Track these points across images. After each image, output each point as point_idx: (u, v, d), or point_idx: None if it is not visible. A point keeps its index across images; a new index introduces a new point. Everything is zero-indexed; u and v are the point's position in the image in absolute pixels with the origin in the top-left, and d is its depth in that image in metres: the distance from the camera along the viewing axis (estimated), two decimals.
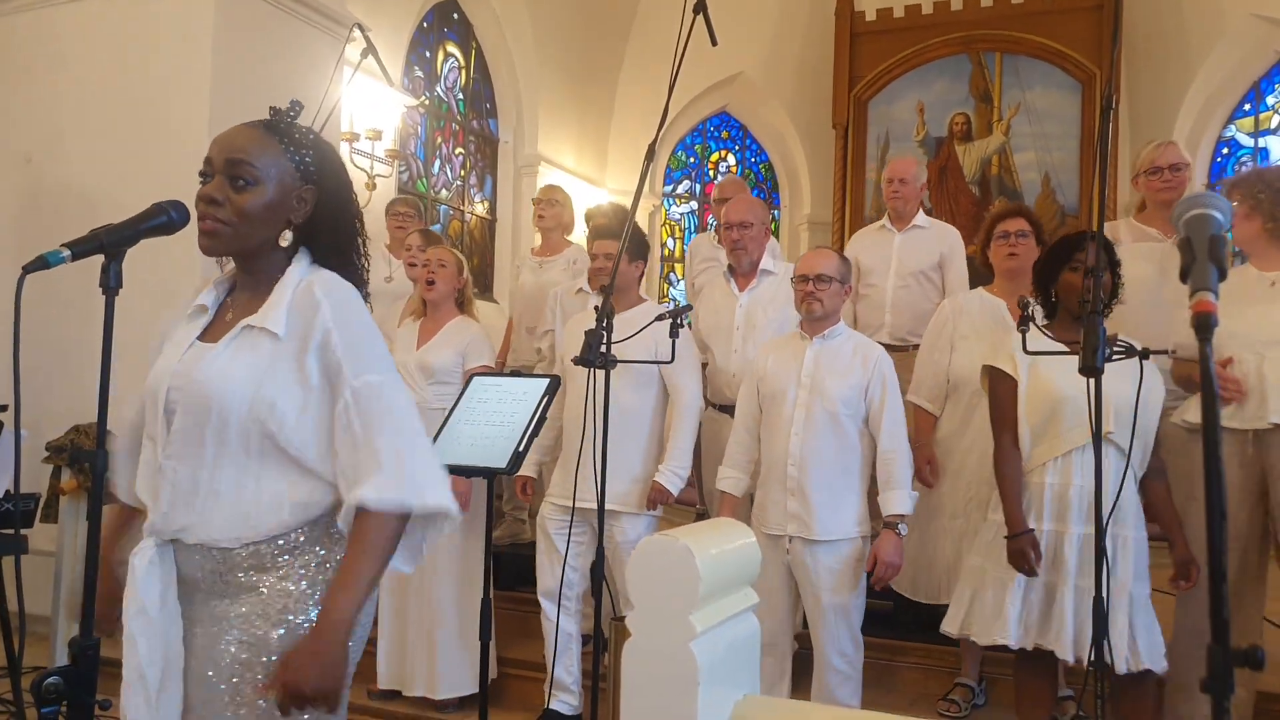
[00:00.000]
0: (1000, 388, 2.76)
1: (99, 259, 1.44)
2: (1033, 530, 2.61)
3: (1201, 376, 0.93)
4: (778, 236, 8.50)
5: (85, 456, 3.51)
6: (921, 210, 4.20)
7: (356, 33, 5.22)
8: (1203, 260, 0.96)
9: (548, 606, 3.33)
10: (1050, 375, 2.64)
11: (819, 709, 1.26)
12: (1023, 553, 2.58)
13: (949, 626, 2.80)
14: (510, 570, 4.20)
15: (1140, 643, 2.52)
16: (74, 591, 3.95)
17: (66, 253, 1.37)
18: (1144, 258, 2.89)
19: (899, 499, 2.90)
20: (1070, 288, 2.68)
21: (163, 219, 1.51)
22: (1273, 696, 2.97)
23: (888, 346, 3.94)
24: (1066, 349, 2.49)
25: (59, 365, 4.86)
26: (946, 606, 3.41)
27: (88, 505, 1.44)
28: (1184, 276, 0.97)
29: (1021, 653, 2.65)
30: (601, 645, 3.03)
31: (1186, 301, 2.89)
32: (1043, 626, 2.57)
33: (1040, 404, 2.68)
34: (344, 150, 5.66)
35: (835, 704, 2.95)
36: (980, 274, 3.58)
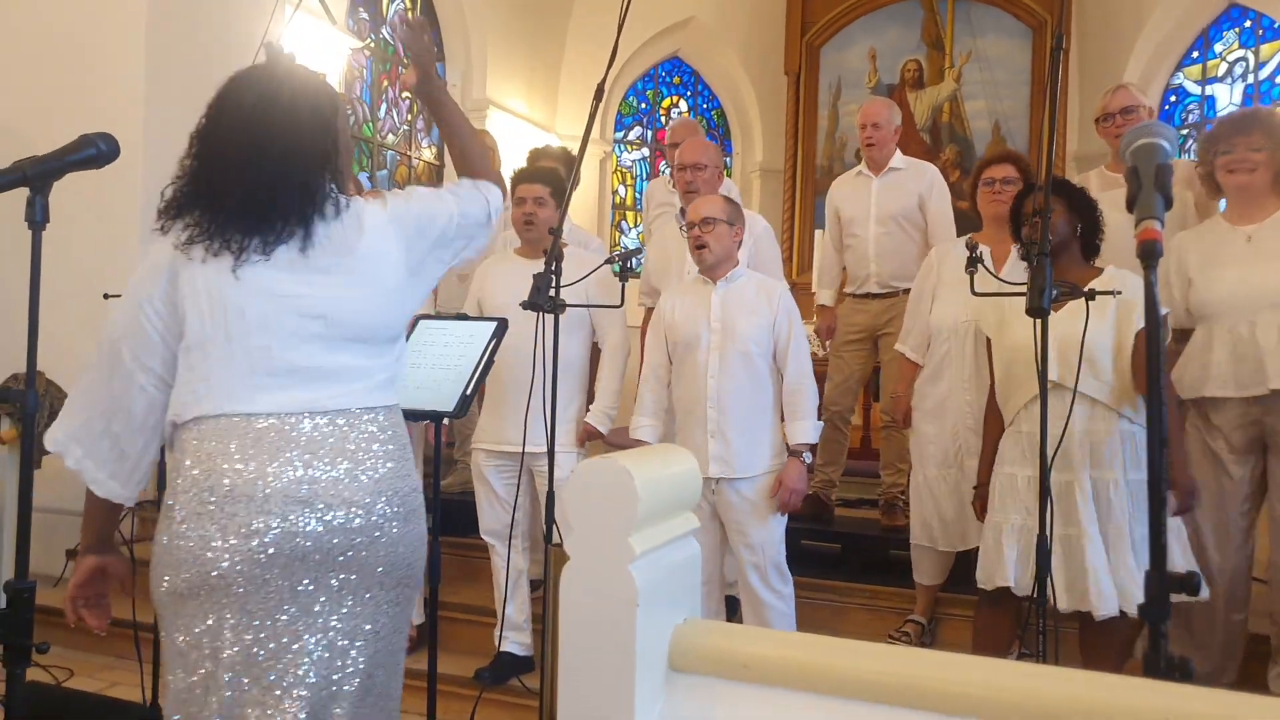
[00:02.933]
0: (989, 349, 2.86)
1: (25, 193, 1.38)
2: (986, 483, 2.74)
3: (1146, 303, 0.93)
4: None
5: (13, 396, 3.40)
6: (898, 152, 4.12)
7: None
8: (1149, 188, 0.96)
9: (496, 545, 3.36)
10: (1013, 327, 2.67)
11: (760, 631, 1.27)
12: (974, 504, 2.76)
13: (984, 581, 2.74)
14: (460, 518, 4.19)
15: (1129, 584, 2.52)
16: (12, 541, 3.86)
17: None
18: (1113, 205, 2.90)
19: (804, 429, 3.00)
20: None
21: (91, 151, 1.45)
22: (1260, 638, 3.03)
23: (875, 295, 4.00)
24: (1012, 290, 2.51)
25: None
26: (900, 550, 3.50)
27: (22, 439, 1.40)
28: (1130, 205, 0.97)
29: (982, 593, 2.70)
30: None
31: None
32: (1077, 586, 2.54)
33: (1002, 357, 2.74)
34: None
35: None
36: (972, 221, 3.56)
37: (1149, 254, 0.92)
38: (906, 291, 3.80)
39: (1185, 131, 7.53)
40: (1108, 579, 2.50)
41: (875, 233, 4.02)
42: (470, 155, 1.81)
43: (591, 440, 3.39)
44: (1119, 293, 2.46)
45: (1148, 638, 1.03)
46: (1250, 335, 2.74)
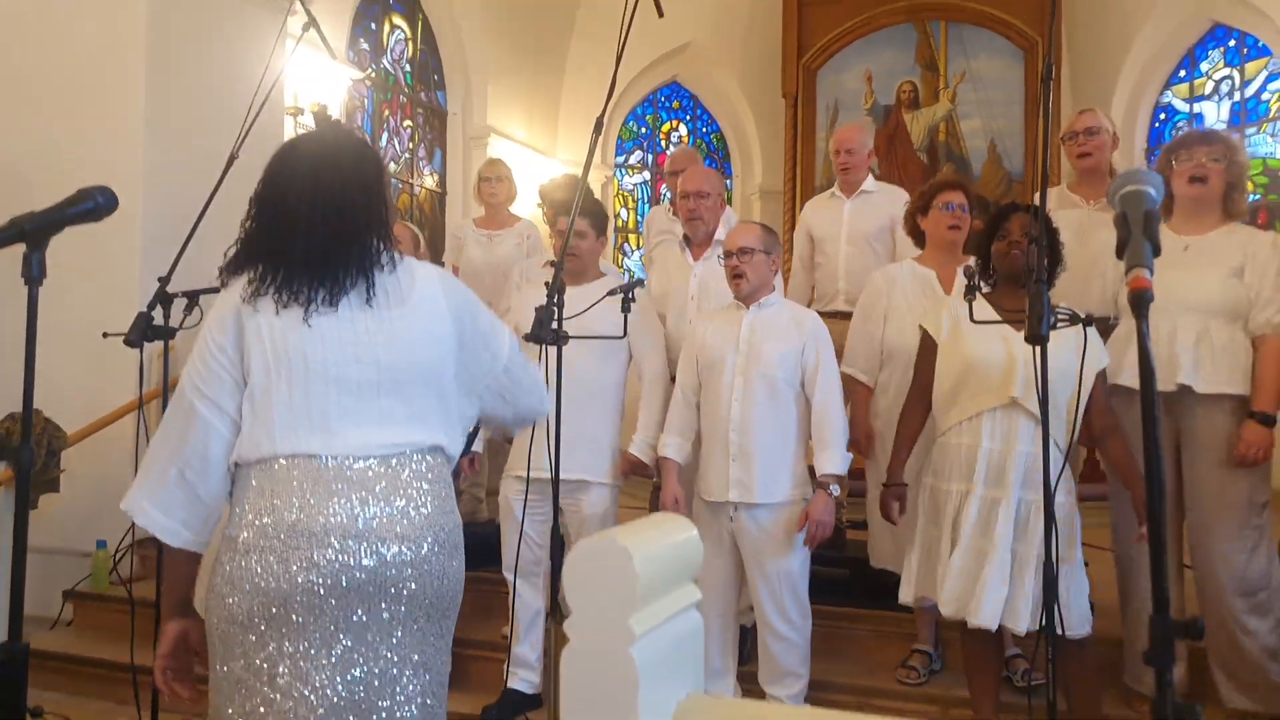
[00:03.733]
0: (923, 346, 2.88)
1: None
2: (904, 485, 2.82)
3: (1140, 353, 0.93)
4: (731, 206, 8.48)
5: (8, 455, 3.39)
6: (871, 175, 4.21)
7: (298, 5, 5.09)
8: (1138, 236, 0.97)
9: (516, 583, 3.29)
10: (966, 339, 2.71)
11: (763, 707, 1.26)
12: (886, 503, 2.85)
13: (903, 595, 2.85)
14: (466, 549, 4.17)
15: (1069, 610, 2.55)
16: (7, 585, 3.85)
17: None
18: (1064, 225, 2.95)
19: (831, 459, 2.96)
20: (1000, 257, 2.77)
21: (89, 204, 1.46)
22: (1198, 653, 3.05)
23: (844, 314, 3.98)
24: (1004, 318, 2.54)
25: None
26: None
27: (16, 496, 1.40)
28: (1120, 252, 0.98)
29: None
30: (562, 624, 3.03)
31: (1101, 268, 2.96)
32: (966, 594, 2.60)
33: (953, 367, 2.75)
34: (288, 125, 5.53)
35: (782, 672, 3.00)
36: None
37: (1139, 302, 0.93)
38: None
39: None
40: (995, 596, 2.56)
41: (845, 252, 4.11)
42: None
43: (635, 473, 3.35)
44: (1116, 319, 2.46)
45: (1155, 682, 1.02)
46: (1170, 333, 2.82)
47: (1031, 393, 2.53)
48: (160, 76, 4.68)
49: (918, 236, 3.40)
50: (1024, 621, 2.56)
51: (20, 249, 1.42)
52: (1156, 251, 0.95)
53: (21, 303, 1.39)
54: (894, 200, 4.13)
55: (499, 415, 1.87)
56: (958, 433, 2.71)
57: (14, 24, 4.87)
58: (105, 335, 3.13)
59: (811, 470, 3.06)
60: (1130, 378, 2.89)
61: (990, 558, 2.56)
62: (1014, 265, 2.72)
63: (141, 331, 2.71)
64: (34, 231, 1.37)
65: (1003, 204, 2.88)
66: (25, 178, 4.74)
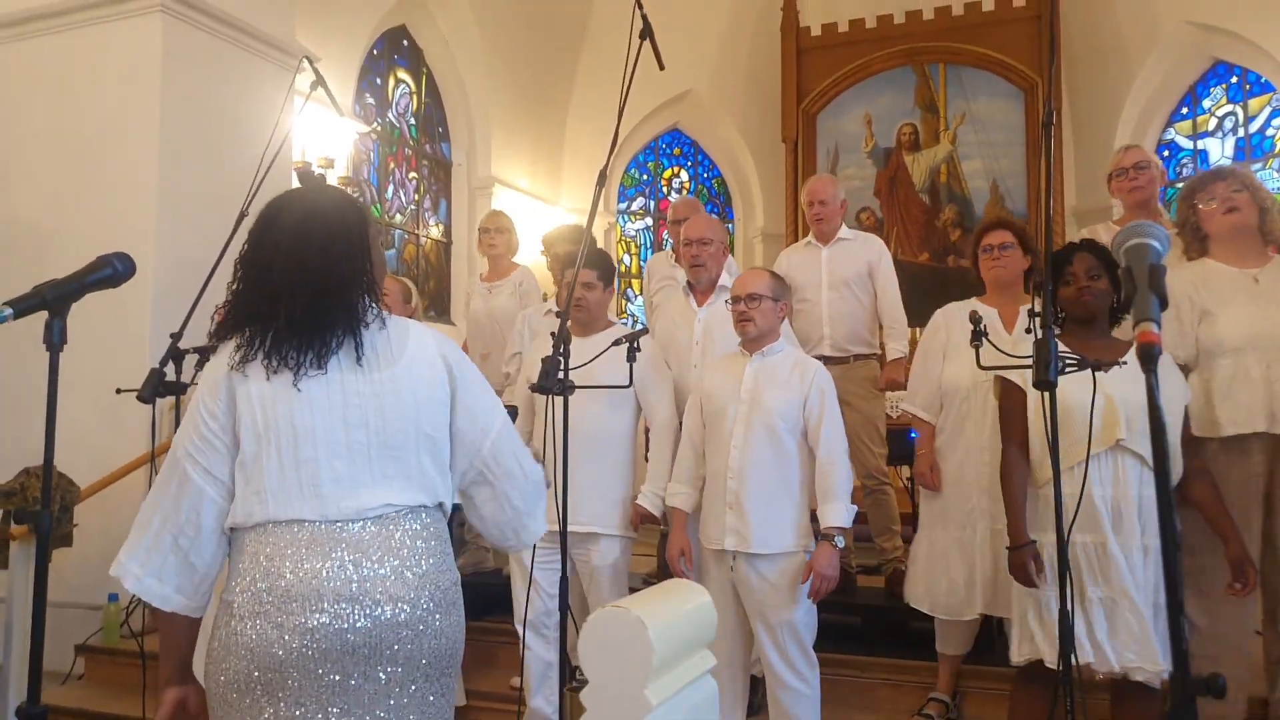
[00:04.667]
0: (1009, 399, 2.76)
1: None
2: (1034, 542, 2.60)
3: (1149, 405, 0.94)
4: (733, 250, 8.55)
5: (29, 518, 3.40)
6: (844, 225, 4.32)
7: (305, 63, 5.18)
8: (1144, 290, 0.97)
9: (528, 636, 3.27)
10: (1065, 390, 2.61)
11: None
12: (1022, 566, 2.58)
13: (1014, 655, 2.68)
14: (471, 599, 4.15)
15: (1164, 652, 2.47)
16: (26, 639, 3.85)
17: (9, 311, 1.35)
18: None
19: (836, 511, 2.91)
20: (1069, 301, 2.69)
21: (108, 271, 1.49)
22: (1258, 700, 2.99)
23: (829, 359, 4.03)
24: (1018, 362, 2.53)
25: (5, 406, 4.75)
26: (923, 622, 3.42)
27: (35, 562, 1.41)
28: (1125, 307, 0.99)
29: (1020, 669, 2.63)
30: (572, 675, 3.01)
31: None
32: (1099, 645, 2.51)
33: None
34: (295, 181, 5.60)
35: None
36: (943, 280, 3.60)
37: (1147, 357, 0.93)
38: (858, 357, 4.14)
39: (1180, 185, 7.63)
40: (1128, 644, 2.46)
41: (828, 297, 4.17)
42: None
43: (645, 523, 3.33)
44: (1125, 363, 2.44)
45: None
46: (1265, 374, 2.77)
47: (1135, 434, 2.48)
48: (173, 136, 4.76)
49: (980, 278, 3.43)
50: (1164, 667, 2.46)
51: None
52: (1164, 305, 0.96)
53: (35, 362, 1.41)
54: (871, 247, 4.25)
55: (478, 498, 1.79)
56: (1063, 482, 2.64)
57: (31, 88, 4.98)
58: (119, 391, 3.15)
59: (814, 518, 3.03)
60: (1210, 427, 2.82)
61: (1120, 605, 2.49)
62: (1085, 309, 2.66)
63: (154, 387, 2.73)
64: (54, 300, 1.40)
65: (1064, 246, 2.79)
66: (42, 235, 4.81)
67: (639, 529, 3.34)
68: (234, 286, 1.65)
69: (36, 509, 1.40)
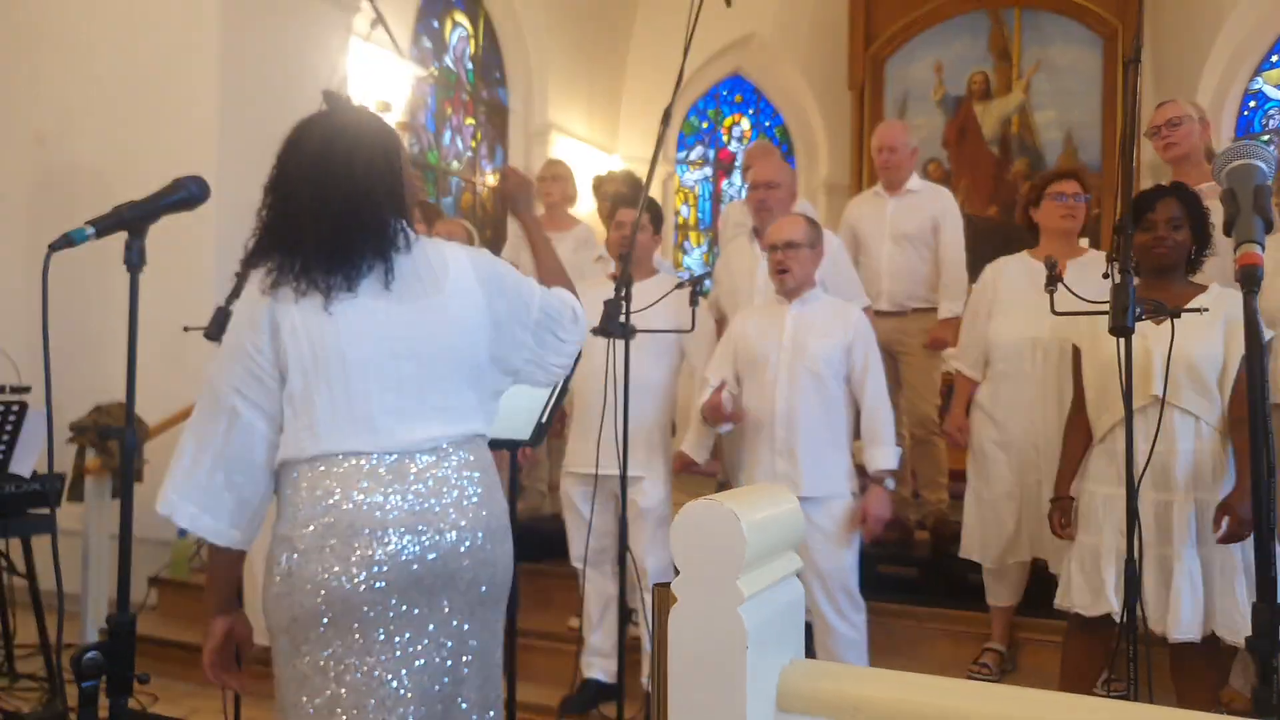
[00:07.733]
0: (1076, 359, 2.78)
1: (119, 235, 1.44)
2: (1070, 498, 2.65)
3: (1247, 330, 0.90)
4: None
5: (113, 434, 3.52)
6: (915, 174, 4.20)
7: (364, 3, 5.18)
8: (1247, 212, 0.93)
9: (588, 571, 3.31)
10: (1101, 340, 2.56)
11: (866, 671, 1.26)
12: (1052, 515, 2.67)
13: (1059, 601, 2.70)
14: (530, 542, 4.22)
15: (1235, 611, 2.43)
16: (101, 570, 4.00)
17: (91, 230, 1.37)
18: None
19: (885, 455, 2.95)
20: (1145, 249, 2.63)
21: (183, 194, 1.52)
22: None
23: (887, 313, 4.00)
24: (1094, 308, 2.45)
25: (78, 344, 4.88)
26: (974, 572, 3.41)
27: (116, 483, 1.45)
28: (1228, 228, 0.94)
29: (1074, 619, 2.62)
30: (628, 615, 3.04)
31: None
32: (1159, 605, 2.47)
33: (1098, 371, 2.65)
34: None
35: None
36: (1008, 236, 3.51)
37: (1250, 279, 0.89)
38: (915, 310, 4.05)
39: (1266, 138, 7.31)
40: (1190, 603, 2.42)
41: (889, 251, 4.09)
42: (554, 273, 1.96)
43: (687, 470, 3.35)
44: (1206, 310, 2.37)
45: (1257, 671, 0.99)
46: None
47: (1178, 388, 2.43)
48: (232, 76, 4.80)
49: (1031, 228, 3.34)
50: (1237, 627, 2.40)
51: (105, 248, 1.47)
52: (1269, 227, 0.92)
53: (101, 297, 1.43)
54: (938, 200, 4.13)
55: (535, 380, 1.85)
56: (1112, 439, 2.58)
57: (91, 32, 5.05)
58: (186, 329, 3.21)
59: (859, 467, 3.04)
60: None
61: (1177, 566, 2.44)
62: (1162, 259, 2.61)
63: (221, 325, 2.76)
64: (133, 219, 1.42)
65: (1152, 188, 2.72)
66: (105, 178, 4.90)
67: (678, 474, 3.37)
68: (262, 212, 1.62)
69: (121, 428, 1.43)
